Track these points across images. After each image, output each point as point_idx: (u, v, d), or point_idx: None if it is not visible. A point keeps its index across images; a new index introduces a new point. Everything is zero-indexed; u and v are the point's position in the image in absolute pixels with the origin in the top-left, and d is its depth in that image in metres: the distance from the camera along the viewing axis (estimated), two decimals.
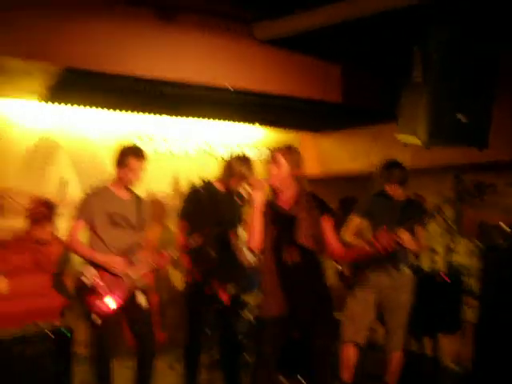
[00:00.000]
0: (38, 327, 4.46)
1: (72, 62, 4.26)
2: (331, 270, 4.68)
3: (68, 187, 5.81)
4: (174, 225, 5.14)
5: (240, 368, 4.84)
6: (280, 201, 3.61)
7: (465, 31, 3.90)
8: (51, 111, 5.63)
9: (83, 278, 4.02)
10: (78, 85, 4.68)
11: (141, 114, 5.92)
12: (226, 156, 5.02)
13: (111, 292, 4.03)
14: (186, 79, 4.69)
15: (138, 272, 4.17)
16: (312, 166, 6.94)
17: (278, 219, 3.56)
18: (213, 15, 4.71)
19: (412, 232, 4.58)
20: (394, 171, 4.66)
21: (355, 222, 4.84)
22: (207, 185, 4.81)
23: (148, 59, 4.53)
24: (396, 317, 4.62)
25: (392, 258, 4.60)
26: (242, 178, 4.63)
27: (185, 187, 5.40)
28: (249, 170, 4.67)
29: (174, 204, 5.02)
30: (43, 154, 5.72)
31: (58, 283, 5.56)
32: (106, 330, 4.01)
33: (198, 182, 4.94)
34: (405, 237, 4.52)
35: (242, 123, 6.56)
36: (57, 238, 5.56)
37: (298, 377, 4.88)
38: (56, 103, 5.40)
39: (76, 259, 4.67)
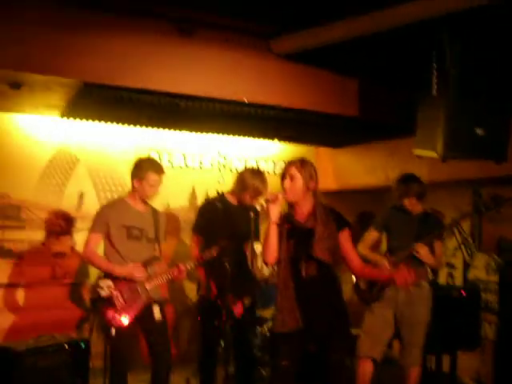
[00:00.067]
0: (53, 339, 4.48)
1: (91, 76, 4.29)
2: (348, 284, 4.66)
3: (86, 201, 5.84)
4: (188, 238, 5.15)
5: (255, 382, 4.82)
6: (296, 214, 3.61)
7: (482, 45, 3.88)
8: (69, 126, 5.68)
9: (99, 290, 4.02)
10: (96, 99, 4.71)
11: (159, 129, 5.94)
12: (240, 169, 5.04)
13: (127, 304, 4.03)
14: (204, 93, 4.71)
15: (155, 284, 4.17)
16: (329, 181, 6.93)
17: (294, 232, 3.55)
18: (231, 30, 4.74)
19: (430, 246, 4.57)
20: (412, 185, 4.65)
21: (372, 235, 4.83)
22: (220, 198, 4.83)
23: (167, 73, 4.55)
24: (413, 332, 4.57)
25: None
26: (255, 191, 4.65)
27: (201, 201, 5.43)
28: (262, 184, 4.68)
29: (190, 217, 5.02)
30: (62, 168, 5.77)
31: (75, 295, 5.61)
32: (122, 343, 4.01)
33: (211, 196, 4.97)
34: (423, 251, 4.51)
35: (260, 139, 6.56)
36: (74, 251, 5.62)
37: None
38: (74, 118, 5.45)
39: (93, 271, 4.69)
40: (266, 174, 6.59)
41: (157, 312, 4.15)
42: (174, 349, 5.76)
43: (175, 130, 6.06)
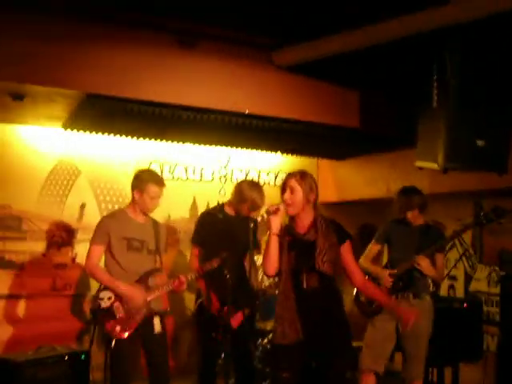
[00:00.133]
0: (53, 350, 4.47)
1: (93, 88, 4.31)
2: (348, 296, 4.65)
3: (87, 212, 5.85)
4: (189, 249, 5.17)
5: None
6: (296, 226, 3.60)
7: (482, 56, 3.90)
8: (71, 137, 5.70)
9: (100, 301, 4.01)
10: (98, 111, 4.72)
11: (159, 141, 5.95)
12: (237, 182, 5.06)
13: (128, 315, 4.02)
14: (205, 105, 4.72)
15: (155, 296, 4.16)
16: (330, 193, 6.93)
17: (295, 244, 3.54)
18: (232, 42, 4.76)
19: (431, 259, 4.56)
20: (414, 198, 4.66)
21: (374, 248, 4.84)
22: (218, 209, 4.84)
23: (169, 85, 4.57)
24: (415, 345, 4.55)
25: (412, 285, 4.57)
26: (253, 203, 4.66)
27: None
28: (259, 196, 4.70)
29: (190, 229, 5.03)
30: (63, 179, 5.79)
31: (76, 307, 5.60)
32: (122, 355, 3.99)
33: (209, 207, 4.99)
34: (424, 263, 4.50)
35: (260, 150, 6.57)
36: (75, 262, 5.62)
37: None
38: (77, 130, 5.46)
39: (94, 283, 4.69)
40: (267, 186, 6.74)
41: (157, 324, 4.13)
42: (174, 361, 5.77)
43: (177, 142, 6.08)
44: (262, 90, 4.94)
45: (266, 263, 3.53)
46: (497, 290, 5.63)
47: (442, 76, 3.86)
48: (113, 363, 4.02)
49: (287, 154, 6.69)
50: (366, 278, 4.68)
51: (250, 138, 5.84)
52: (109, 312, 3.99)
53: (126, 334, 3.97)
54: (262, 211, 3.68)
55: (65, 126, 5.41)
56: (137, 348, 4.12)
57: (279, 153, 6.65)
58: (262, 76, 4.91)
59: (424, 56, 3.98)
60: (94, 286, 4.46)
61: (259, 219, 3.56)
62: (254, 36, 4.69)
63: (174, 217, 6.25)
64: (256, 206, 4.74)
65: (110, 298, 4.01)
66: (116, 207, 5.72)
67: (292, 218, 3.60)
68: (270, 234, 3.49)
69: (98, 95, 4.39)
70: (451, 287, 6.39)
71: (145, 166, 5.60)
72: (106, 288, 4.07)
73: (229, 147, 6.38)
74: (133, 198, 4.23)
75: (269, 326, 5.36)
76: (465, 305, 5.33)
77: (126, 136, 5.67)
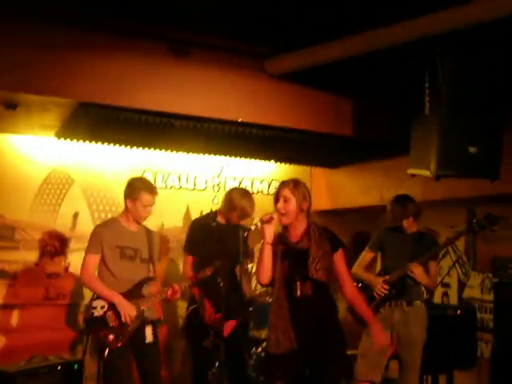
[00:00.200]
0: (45, 360, 4.45)
1: (86, 96, 4.31)
2: (343, 304, 4.64)
3: (80, 221, 5.83)
4: (180, 258, 5.15)
5: None
6: (289, 235, 3.61)
7: (473, 63, 3.93)
8: (64, 146, 5.68)
9: (93, 311, 4.00)
10: (91, 120, 4.71)
11: (153, 150, 5.95)
12: (227, 190, 5.07)
13: (121, 324, 4.01)
14: (198, 113, 4.73)
15: (149, 305, 4.15)
16: (323, 201, 6.93)
17: (288, 253, 3.55)
18: (226, 51, 4.78)
19: (425, 266, 4.57)
20: (409, 206, 4.69)
21: (368, 256, 4.86)
22: (211, 217, 4.85)
23: (162, 94, 4.57)
24: (410, 352, 4.55)
25: (406, 293, 4.57)
26: (243, 211, 4.67)
27: None
28: (249, 204, 4.71)
29: (183, 238, 5.03)
30: (56, 188, 5.76)
31: (69, 316, 5.57)
32: (115, 364, 3.97)
33: (199, 216, 5.00)
34: (417, 271, 4.52)
35: (254, 159, 6.58)
36: (68, 272, 5.59)
37: None
38: (69, 139, 5.45)
39: (87, 292, 4.67)
40: (261, 194, 6.74)
41: (149, 333, 4.11)
42: (167, 370, 5.74)
43: (170, 150, 6.07)
44: (255, 98, 4.95)
45: (259, 272, 3.53)
46: (490, 296, 5.64)
47: (434, 83, 3.87)
48: (106, 373, 4.00)
49: (280, 162, 6.70)
50: (359, 285, 4.74)
51: (243, 147, 5.84)
52: (102, 321, 3.98)
53: (120, 343, 3.96)
54: (256, 220, 3.68)
55: (58, 136, 5.39)
56: (130, 357, 4.10)
57: (272, 161, 6.66)
58: (255, 84, 4.92)
59: (415, 63, 4.00)
60: (88, 295, 4.44)
61: (253, 228, 3.56)
62: (247, 45, 4.71)
63: (168, 225, 6.23)
64: (246, 214, 4.75)
65: (103, 307, 4.00)
66: (109, 216, 5.70)
67: (285, 227, 3.60)
68: (263, 242, 3.50)
69: (91, 104, 4.39)
70: (445, 294, 6.40)
71: (137, 175, 5.58)
72: (99, 297, 4.06)
73: (222, 156, 6.39)
74: (126, 206, 4.22)
75: (263, 334, 5.34)
76: (458, 312, 5.34)
77: (120, 145, 5.66)
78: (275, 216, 3.50)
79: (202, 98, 4.73)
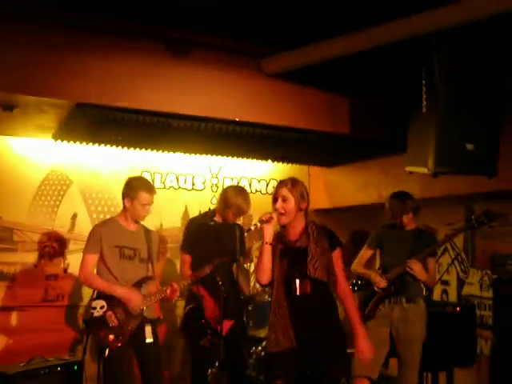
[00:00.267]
0: (45, 361, 4.45)
1: (83, 97, 4.30)
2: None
3: (78, 222, 5.83)
4: (177, 258, 5.14)
5: None
6: (288, 234, 3.61)
7: (470, 60, 3.93)
8: (62, 147, 5.68)
9: (92, 311, 4.00)
10: (88, 120, 4.70)
11: (150, 150, 5.95)
12: (223, 188, 5.06)
13: (121, 324, 4.01)
14: (196, 113, 4.72)
15: (148, 304, 4.15)
16: (321, 199, 6.94)
17: (287, 252, 3.55)
18: (223, 51, 4.78)
19: (424, 263, 4.58)
20: (408, 202, 4.70)
21: (366, 254, 4.87)
22: (209, 216, 4.85)
23: (159, 93, 4.56)
24: (409, 349, 4.56)
25: (405, 290, 4.58)
26: (238, 209, 4.68)
27: None
28: (245, 202, 4.72)
29: (181, 238, 5.03)
30: (54, 190, 5.76)
31: (68, 317, 5.57)
32: (116, 364, 3.97)
33: (195, 215, 5.01)
34: (416, 268, 4.52)
35: (252, 159, 6.59)
36: (67, 273, 5.59)
37: None
38: (66, 141, 5.45)
39: (87, 293, 4.67)
40: (259, 194, 6.74)
41: (148, 333, 4.12)
42: (167, 370, 5.73)
43: (168, 151, 6.08)
44: (252, 97, 4.94)
45: (259, 272, 3.53)
46: (489, 293, 5.65)
47: (431, 81, 3.88)
48: (106, 373, 4.00)
49: (278, 161, 6.71)
50: (359, 283, 4.75)
51: (240, 146, 5.84)
52: (102, 321, 3.98)
53: (120, 343, 3.96)
54: (255, 220, 3.69)
55: (55, 137, 5.39)
56: (131, 357, 4.10)
57: (270, 161, 6.67)
58: (252, 84, 4.92)
59: (412, 61, 4.00)
60: (87, 296, 4.45)
61: (253, 228, 3.54)
62: (245, 44, 4.70)
63: (166, 225, 6.24)
64: (241, 212, 4.76)
65: (102, 307, 4.00)
66: (108, 217, 5.69)
67: (283, 226, 3.60)
68: (263, 242, 3.50)
69: (88, 104, 4.38)
70: (444, 292, 6.41)
71: (135, 174, 5.58)
72: (98, 297, 4.06)
73: (220, 156, 6.39)
74: (124, 206, 4.23)
75: (262, 333, 5.34)
76: (458, 309, 5.35)
77: (117, 146, 5.66)
78: (274, 215, 3.50)
79: (199, 98, 4.73)
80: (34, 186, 5.66)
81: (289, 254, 3.53)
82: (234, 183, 6.67)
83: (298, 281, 3.49)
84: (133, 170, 6.02)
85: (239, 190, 4.85)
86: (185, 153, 6.20)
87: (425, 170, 3.96)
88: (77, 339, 5.58)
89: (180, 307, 5.58)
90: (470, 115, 3.94)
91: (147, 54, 4.54)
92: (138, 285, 4.15)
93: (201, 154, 6.28)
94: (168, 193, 6.31)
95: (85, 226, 5.57)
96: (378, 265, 4.93)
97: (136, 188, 4.19)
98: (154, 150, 5.93)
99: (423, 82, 3.94)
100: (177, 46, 4.63)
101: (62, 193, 5.80)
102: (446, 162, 3.91)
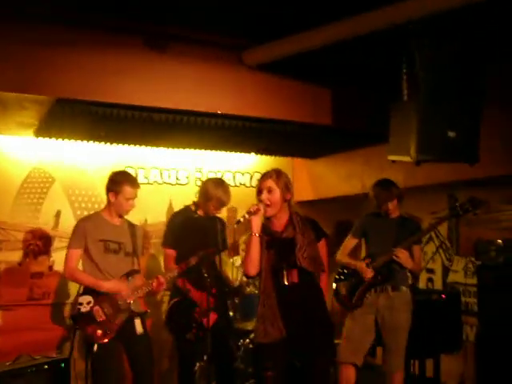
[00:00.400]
0: (32, 360, 4.42)
1: (63, 92, 4.27)
2: (330, 293, 4.67)
3: (62, 219, 5.80)
4: (161, 253, 5.12)
5: None
6: (273, 225, 3.62)
7: (450, 48, 3.95)
8: (44, 144, 5.64)
9: (79, 307, 3.99)
10: (69, 116, 4.68)
11: (133, 145, 5.93)
12: (202, 181, 5.06)
13: (108, 319, 4.00)
14: (177, 106, 4.72)
15: (135, 297, 4.14)
16: (306, 191, 6.96)
17: (273, 243, 3.56)
18: (203, 44, 4.76)
19: (409, 251, 4.60)
20: (393, 189, 4.71)
21: (351, 242, 4.88)
22: (187, 211, 4.84)
23: (140, 88, 4.54)
24: (395, 337, 4.59)
25: (391, 278, 4.60)
26: (218, 201, 4.68)
27: None
28: (225, 194, 4.72)
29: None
30: (37, 187, 5.72)
31: (55, 315, 5.54)
32: (104, 359, 3.96)
33: (177, 208, 5.00)
34: (403, 256, 4.55)
35: (235, 152, 6.59)
36: (52, 271, 5.56)
37: None
38: (48, 137, 5.41)
39: (73, 290, 4.64)
40: (243, 187, 6.74)
41: (138, 325, 4.13)
42: (155, 365, 5.72)
43: (150, 146, 6.06)
44: (233, 90, 4.94)
45: (247, 264, 3.54)
46: (474, 280, 5.69)
47: (411, 69, 3.89)
48: (95, 369, 3.99)
49: (261, 154, 6.71)
50: (344, 271, 4.78)
51: (223, 139, 5.83)
52: (89, 316, 3.97)
53: (108, 338, 3.95)
54: (240, 213, 3.69)
55: (36, 134, 5.36)
56: (120, 351, 4.10)
57: (253, 153, 6.67)
58: (233, 76, 4.91)
59: (392, 50, 4.02)
60: (73, 293, 4.43)
61: (242, 219, 3.54)
62: (224, 37, 4.70)
63: (151, 220, 6.22)
64: (222, 204, 4.77)
65: (89, 303, 3.99)
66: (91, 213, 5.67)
67: (268, 218, 3.61)
68: (251, 234, 3.50)
69: (68, 100, 4.36)
70: (429, 280, 6.45)
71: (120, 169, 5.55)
72: (84, 293, 4.05)
73: (203, 150, 6.38)
74: (108, 200, 4.22)
75: (250, 325, 5.35)
76: (443, 296, 5.39)
77: (100, 142, 5.64)
78: (261, 207, 3.50)
79: (180, 92, 4.72)
80: (16, 184, 5.62)
81: (275, 245, 3.55)
82: (218, 177, 6.66)
83: (285, 271, 3.50)
84: (116, 166, 5.95)
85: (219, 183, 4.85)
86: (168, 147, 6.19)
87: (407, 159, 3.98)
88: (64, 337, 5.55)
89: (167, 301, 5.59)
90: (450, 102, 3.96)
91: (126, 49, 4.52)
92: (124, 278, 4.14)
93: (184, 147, 6.27)
94: (152, 188, 6.29)
95: (69, 223, 5.51)
96: (363, 254, 4.94)
97: (120, 182, 4.18)
98: (137, 145, 5.91)
99: (403, 70, 3.96)
100: (155, 41, 4.61)
101: (45, 190, 5.76)
102: (428, 149, 3.93)
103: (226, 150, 6.47)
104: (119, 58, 4.47)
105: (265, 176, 3.61)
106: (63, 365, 4.50)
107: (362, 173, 6.21)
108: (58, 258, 5.56)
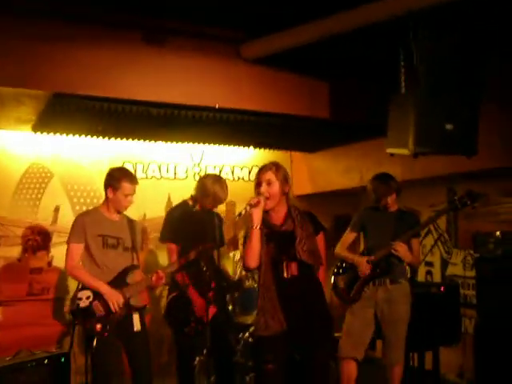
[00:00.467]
0: (32, 355, 4.43)
1: (61, 87, 4.27)
2: (328, 287, 4.67)
3: (61, 214, 5.80)
4: (160, 249, 5.12)
5: None
6: (271, 218, 3.61)
7: (448, 41, 3.95)
8: (42, 140, 5.64)
9: (78, 301, 3.99)
10: (67, 111, 4.68)
11: (131, 140, 5.92)
12: (200, 176, 5.06)
13: (107, 313, 4.00)
14: (175, 101, 4.71)
15: (134, 292, 4.14)
16: (304, 185, 6.96)
17: (273, 236, 3.55)
18: (201, 37, 4.76)
19: (408, 244, 4.61)
20: (391, 183, 4.71)
21: (350, 236, 4.88)
22: (185, 205, 4.85)
23: (138, 82, 4.53)
24: (394, 330, 4.59)
25: (390, 271, 4.61)
26: (216, 197, 4.69)
27: None
28: (222, 190, 4.73)
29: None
30: (36, 183, 5.73)
31: (55, 311, 5.55)
32: (104, 353, 3.96)
33: (176, 203, 5.01)
34: (401, 249, 4.55)
35: (233, 146, 6.58)
36: (52, 266, 5.57)
37: None
38: (46, 132, 5.41)
39: (72, 286, 4.64)
40: (242, 181, 6.74)
41: (136, 321, 4.12)
42: (155, 359, 5.73)
43: (149, 140, 6.06)
44: (231, 83, 4.93)
45: (248, 257, 3.52)
46: (472, 273, 5.70)
47: (409, 61, 3.89)
48: (95, 363, 3.99)
49: (259, 147, 6.71)
50: (343, 265, 4.78)
51: (221, 133, 5.83)
52: (88, 311, 3.96)
53: (107, 332, 3.95)
54: (238, 206, 3.69)
55: (34, 129, 5.35)
56: (119, 346, 4.10)
57: (252, 147, 6.67)
58: (231, 70, 4.91)
59: (390, 42, 4.01)
60: (72, 288, 4.42)
61: (243, 212, 3.53)
62: (222, 31, 4.70)
63: (150, 215, 6.23)
64: (219, 200, 4.78)
65: (88, 298, 3.99)
66: (90, 208, 5.67)
67: (266, 211, 3.60)
68: (252, 227, 3.48)
69: (65, 94, 4.35)
70: (428, 273, 6.46)
71: (118, 165, 5.55)
72: (84, 288, 4.04)
73: (201, 144, 6.38)
74: (106, 196, 4.21)
75: (249, 319, 5.36)
76: (442, 289, 5.40)
77: (98, 136, 5.63)
78: (261, 199, 3.50)
79: (178, 86, 4.71)
80: (14, 180, 5.63)
81: (275, 238, 3.54)
82: (217, 171, 6.66)
83: (285, 264, 3.50)
84: (115, 161, 5.99)
85: (216, 179, 4.85)
86: (166, 141, 6.19)
87: (405, 151, 3.98)
88: (63, 332, 5.57)
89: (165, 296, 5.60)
90: (448, 95, 3.95)
91: (124, 43, 4.52)
92: (124, 273, 4.14)
93: (182, 142, 6.27)
94: (150, 182, 6.31)
95: (68, 219, 5.53)
96: (361, 248, 4.95)
97: (118, 178, 4.16)
98: (136, 140, 5.91)
99: (401, 63, 3.95)
100: (153, 35, 4.61)
101: (43, 185, 5.77)
102: (425, 142, 3.93)
103: (224, 144, 6.46)
104: (117, 53, 4.47)
105: (264, 168, 3.60)
106: (63, 359, 4.51)
107: (361, 166, 6.21)
108: (57, 254, 5.57)
